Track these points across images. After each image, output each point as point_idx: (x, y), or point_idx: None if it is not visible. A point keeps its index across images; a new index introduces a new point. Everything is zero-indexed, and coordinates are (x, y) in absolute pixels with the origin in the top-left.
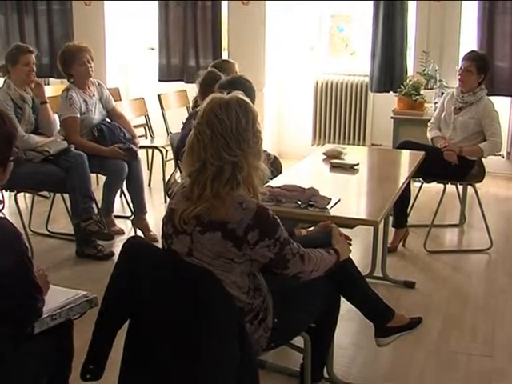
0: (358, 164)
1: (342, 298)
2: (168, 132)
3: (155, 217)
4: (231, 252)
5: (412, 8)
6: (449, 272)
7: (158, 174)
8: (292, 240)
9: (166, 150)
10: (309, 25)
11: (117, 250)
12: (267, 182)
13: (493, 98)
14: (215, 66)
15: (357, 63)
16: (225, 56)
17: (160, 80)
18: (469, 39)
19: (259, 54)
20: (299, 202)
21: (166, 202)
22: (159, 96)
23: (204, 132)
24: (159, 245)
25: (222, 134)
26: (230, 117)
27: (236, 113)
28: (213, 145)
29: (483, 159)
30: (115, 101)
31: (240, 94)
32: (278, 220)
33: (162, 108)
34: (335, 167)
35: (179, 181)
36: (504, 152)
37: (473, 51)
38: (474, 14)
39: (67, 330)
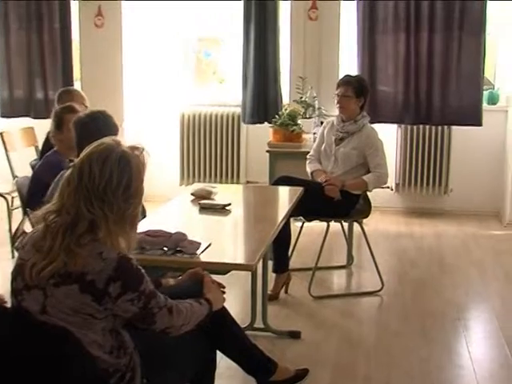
0: (229, 204)
1: (220, 354)
2: (14, 176)
3: (1, 274)
4: (90, 307)
5: (286, 29)
6: (337, 318)
7: (3, 224)
8: (158, 292)
9: (12, 197)
10: (172, 50)
11: None
12: None
13: (376, 126)
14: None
15: (227, 92)
16: (78, 86)
17: (2, 116)
18: (349, 62)
19: (116, 83)
20: (165, 249)
21: (13, 257)
22: (1, 134)
23: (73, 177)
24: (8, 305)
25: (88, 187)
26: (102, 173)
27: (111, 171)
28: (75, 193)
29: (369, 193)
30: None
31: (131, 149)
32: (143, 271)
33: (5, 148)
34: (205, 208)
35: (28, 231)
36: (392, 184)
37: (346, 75)
38: (353, 35)
39: None
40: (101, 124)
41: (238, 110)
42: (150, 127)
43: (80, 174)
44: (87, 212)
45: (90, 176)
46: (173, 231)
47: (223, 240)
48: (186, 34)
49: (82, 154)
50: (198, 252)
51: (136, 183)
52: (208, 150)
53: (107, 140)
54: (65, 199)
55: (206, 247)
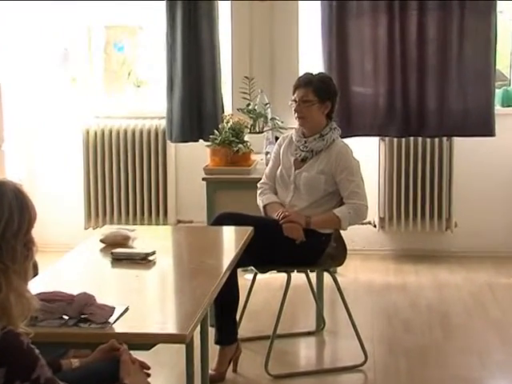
0: (154, 253)
1: None
2: None
3: None
4: None
5: (225, 13)
6: None
7: None
8: (58, 380)
9: None
10: (70, 42)
11: None
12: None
13: (351, 141)
14: None
15: (147, 99)
16: None
17: None
18: (312, 56)
19: None
20: (66, 317)
21: None
22: None
23: None
24: None
25: None
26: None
27: (10, 209)
28: None
29: (343, 232)
30: None
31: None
32: (37, 351)
33: None
34: (119, 260)
35: None
36: (375, 219)
37: (305, 74)
38: (317, 18)
39: None
40: None
41: (163, 124)
42: (40, 149)
43: None
44: None
45: None
46: (75, 293)
47: (146, 302)
48: (89, 21)
49: None
50: (111, 320)
51: (33, 224)
52: (123, 179)
53: None
54: None
55: (122, 313)
